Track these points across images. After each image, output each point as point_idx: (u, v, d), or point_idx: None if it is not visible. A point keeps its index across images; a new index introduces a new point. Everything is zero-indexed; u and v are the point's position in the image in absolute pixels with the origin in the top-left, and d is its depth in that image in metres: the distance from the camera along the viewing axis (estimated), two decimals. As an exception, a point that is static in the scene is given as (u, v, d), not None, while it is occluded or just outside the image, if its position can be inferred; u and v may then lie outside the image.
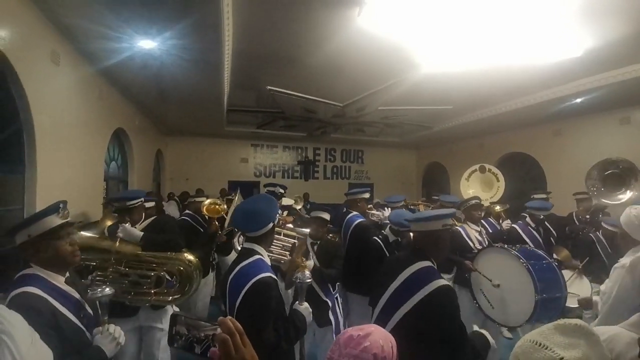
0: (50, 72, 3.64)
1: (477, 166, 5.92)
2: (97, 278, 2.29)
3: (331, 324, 3.11)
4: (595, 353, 0.91)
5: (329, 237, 3.59)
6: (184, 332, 0.88)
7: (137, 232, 2.80)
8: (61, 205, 1.71)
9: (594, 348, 0.91)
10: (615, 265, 2.34)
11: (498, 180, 5.54)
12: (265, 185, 5.14)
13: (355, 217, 3.95)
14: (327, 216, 3.35)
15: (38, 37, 3.40)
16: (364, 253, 3.60)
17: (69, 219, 1.77)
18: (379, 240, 3.61)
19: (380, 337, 1.25)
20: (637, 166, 5.51)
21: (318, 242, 3.31)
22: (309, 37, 4.27)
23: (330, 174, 12.69)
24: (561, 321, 0.95)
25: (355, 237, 3.79)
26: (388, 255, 3.53)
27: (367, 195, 4.28)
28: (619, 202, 4.32)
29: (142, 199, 3.09)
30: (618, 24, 3.72)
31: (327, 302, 3.13)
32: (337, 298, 3.29)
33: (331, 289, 3.21)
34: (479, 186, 5.75)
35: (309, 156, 12.36)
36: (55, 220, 1.66)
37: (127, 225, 2.82)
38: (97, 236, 2.58)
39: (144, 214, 3.13)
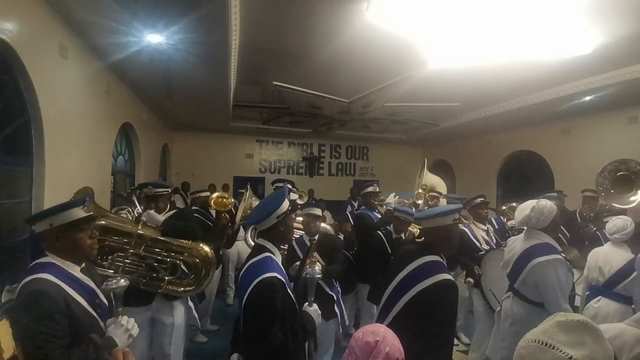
0: (59, 66, 3.65)
1: (420, 165, 6.07)
2: (118, 259, 2.41)
3: (336, 316, 3.19)
4: (601, 348, 0.88)
5: (325, 232, 3.64)
6: None
7: (159, 217, 2.92)
8: (87, 200, 1.78)
9: (599, 343, 0.88)
10: None
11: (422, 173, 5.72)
12: (272, 182, 5.18)
13: (360, 210, 4.29)
14: (318, 212, 3.37)
15: (46, 30, 3.40)
16: (365, 242, 3.75)
17: (91, 212, 1.82)
18: (381, 235, 3.64)
19: (392, 336, 1.26)
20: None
21: (315, 238, 3.35)
22: (316, 32, 4.25)
23: (335, 170, 12.64)
24: (562, 317, 0.90)
25: (357, 227, 4.19)
26: (389, 250, 3.65)
27: (370, 189, 4.38)
28: (629, 205, 4.26)
29: (169, 189, 3.28)
30: (629, 21, 3.65)
31: (332, 295, 3.19)
32: (339, 290, 3.36)
33: (334, 282, 3.27)
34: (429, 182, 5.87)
35: (314, 152, 12.33)
36: (79, 213, 1.71)
37: (152, 211, 2.97)
38: (123, 218, 2.79)
39: (169, 205, 3.26)
